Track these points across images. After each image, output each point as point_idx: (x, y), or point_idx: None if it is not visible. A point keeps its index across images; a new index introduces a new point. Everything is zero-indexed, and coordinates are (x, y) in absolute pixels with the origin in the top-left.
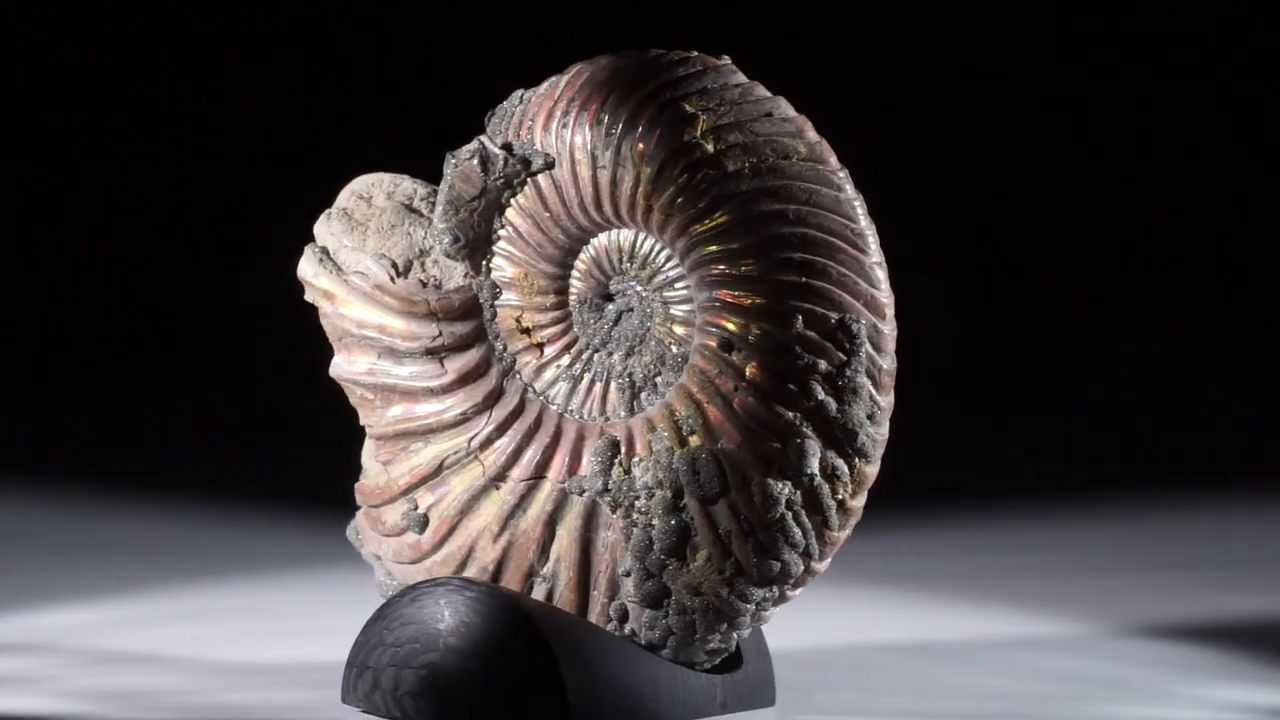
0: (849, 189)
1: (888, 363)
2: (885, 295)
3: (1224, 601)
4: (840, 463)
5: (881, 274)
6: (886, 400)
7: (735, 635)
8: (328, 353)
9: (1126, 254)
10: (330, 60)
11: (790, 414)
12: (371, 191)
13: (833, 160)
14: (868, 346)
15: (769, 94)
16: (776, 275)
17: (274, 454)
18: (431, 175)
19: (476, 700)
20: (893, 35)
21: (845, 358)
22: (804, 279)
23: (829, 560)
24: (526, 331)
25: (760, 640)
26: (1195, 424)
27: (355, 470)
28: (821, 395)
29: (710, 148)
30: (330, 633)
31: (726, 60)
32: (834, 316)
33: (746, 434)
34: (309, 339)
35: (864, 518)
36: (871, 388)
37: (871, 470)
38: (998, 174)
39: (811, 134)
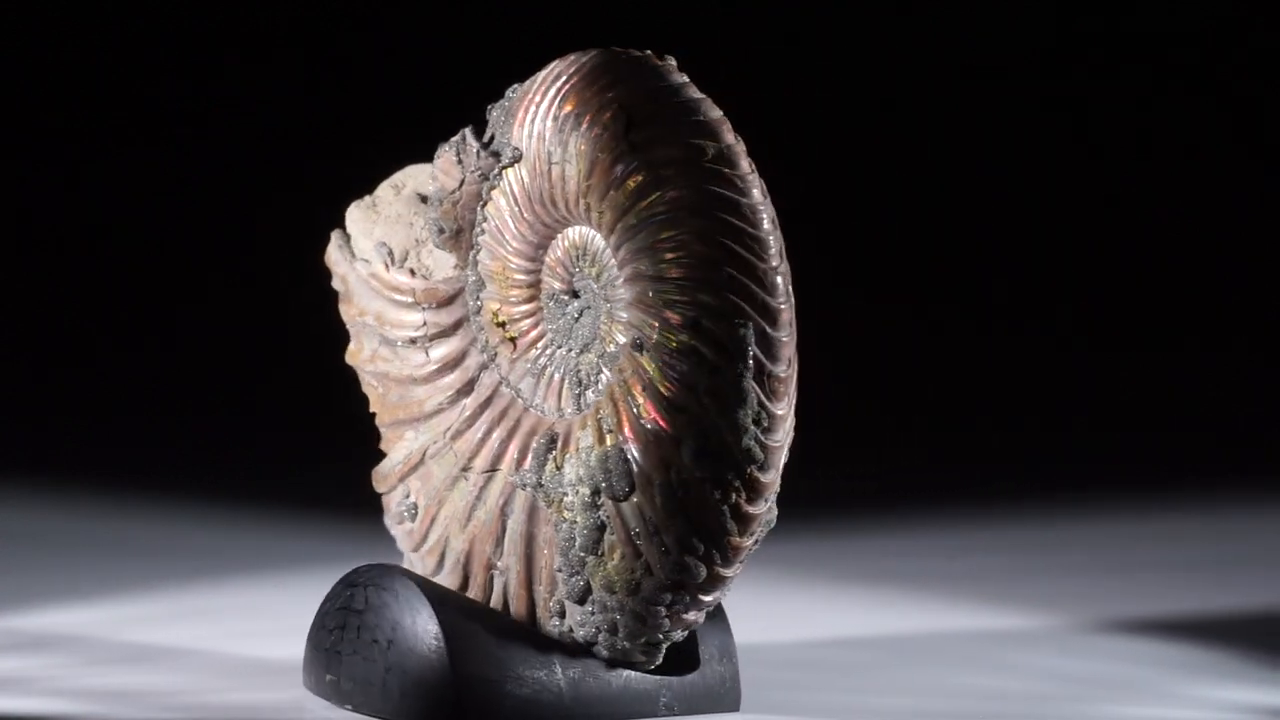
0: (755, 194)
1: (781, 369)
2: (780, 301)
3: (1223, 601)
4: (727, 469)
5: (779, 280)
6: (780, 407)
7: (663, 635)
8: (330, 351)
9: (1125, 253)
10: (330, 60)
11: (681, 417)
12: (405, 181)
13: (743, 164)
14: (756, 352)
15: (699, 94)
16: (671, 275)
17: (274, 454)
18: None
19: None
20: (882, 35)
21: (731, 363)
22: (695, 281)
23: (738, 566)
24: (502, 325)
25: (725, 643)
26: (1195, 424)
27: (355, 470)
28: (706, 400)
29: (634, 146)
30: None
31: (670, 61)
32: (723, 321)
33: (646, 435)
34: (309, 339)
35: (862, 517)
36: (760, 394)
37: (766, 478)
38: (995, 174)
39: (728, 136)
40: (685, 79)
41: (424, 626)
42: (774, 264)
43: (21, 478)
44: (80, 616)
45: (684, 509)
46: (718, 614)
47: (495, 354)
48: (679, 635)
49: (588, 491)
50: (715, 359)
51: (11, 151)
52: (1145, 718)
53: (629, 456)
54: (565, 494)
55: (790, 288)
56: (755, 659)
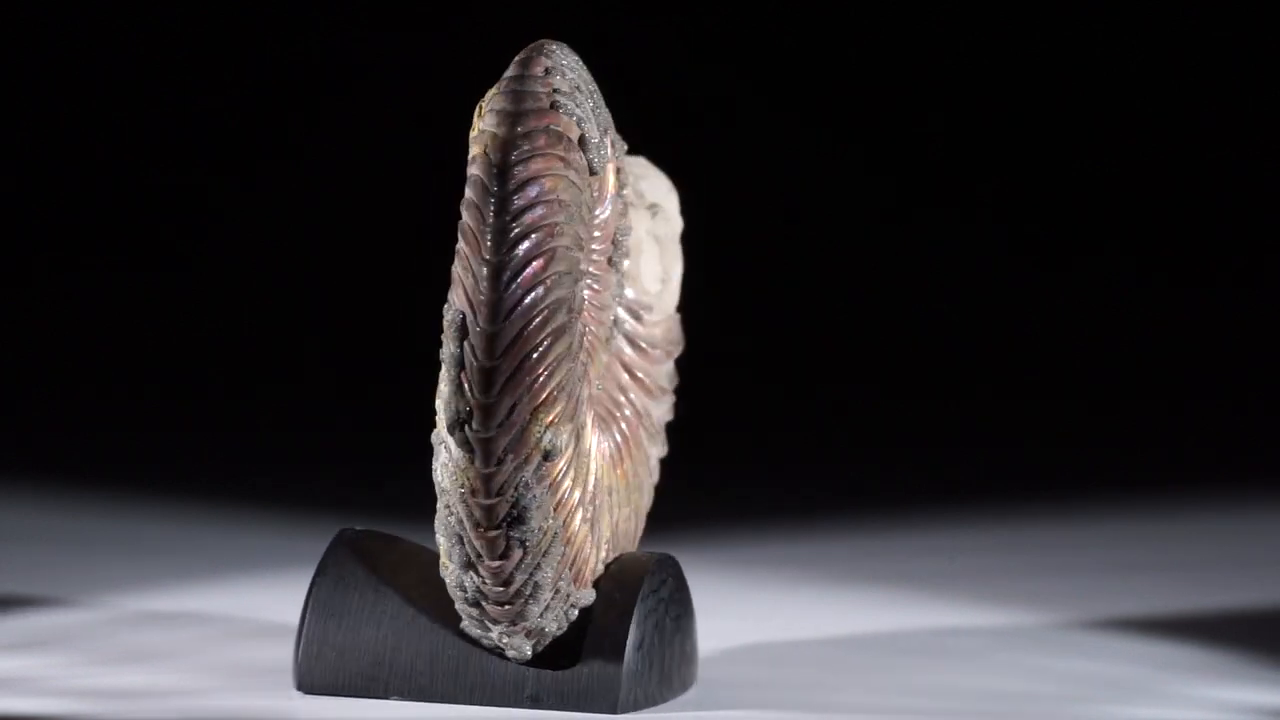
0: (508, 185)
1: (488, 362)
2: (485, 295)
3: (1223, 601)
4: (457, 462)
5: (489, 273)
6: (483, 399)
7: (511, 625)
8: (329, 352)
9: (1126, 251)
10: (329, 57)
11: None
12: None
13: (495, 155)
14: (468, 343)
15: (533, 84)
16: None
17: (274, 454)
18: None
19: None
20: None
21: (451, 349)
22: (454, 270)
23: (504, 566)
24: None
25: (614, 642)
26: (1195, 424)
27: (354, 470)
28: (442, 385)
29: (476, 132)
30: None
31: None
32: (452, 309)
33: None
34: (310, 338)
35: (861, 517)
36: (467, 385)
37: (476, 470)
38: (998, 153)
39: (503, 132)
40: (544, 67)
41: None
42: (490, 256)
43: (21, 478)
44: (80, 616)
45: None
46: (621, 614)
47: None
48: (551, 627)
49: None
50: (446, 345)
51: (10, 151)
52: (1145, 718)
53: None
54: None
55: (521, 282)
56: (752, 658)
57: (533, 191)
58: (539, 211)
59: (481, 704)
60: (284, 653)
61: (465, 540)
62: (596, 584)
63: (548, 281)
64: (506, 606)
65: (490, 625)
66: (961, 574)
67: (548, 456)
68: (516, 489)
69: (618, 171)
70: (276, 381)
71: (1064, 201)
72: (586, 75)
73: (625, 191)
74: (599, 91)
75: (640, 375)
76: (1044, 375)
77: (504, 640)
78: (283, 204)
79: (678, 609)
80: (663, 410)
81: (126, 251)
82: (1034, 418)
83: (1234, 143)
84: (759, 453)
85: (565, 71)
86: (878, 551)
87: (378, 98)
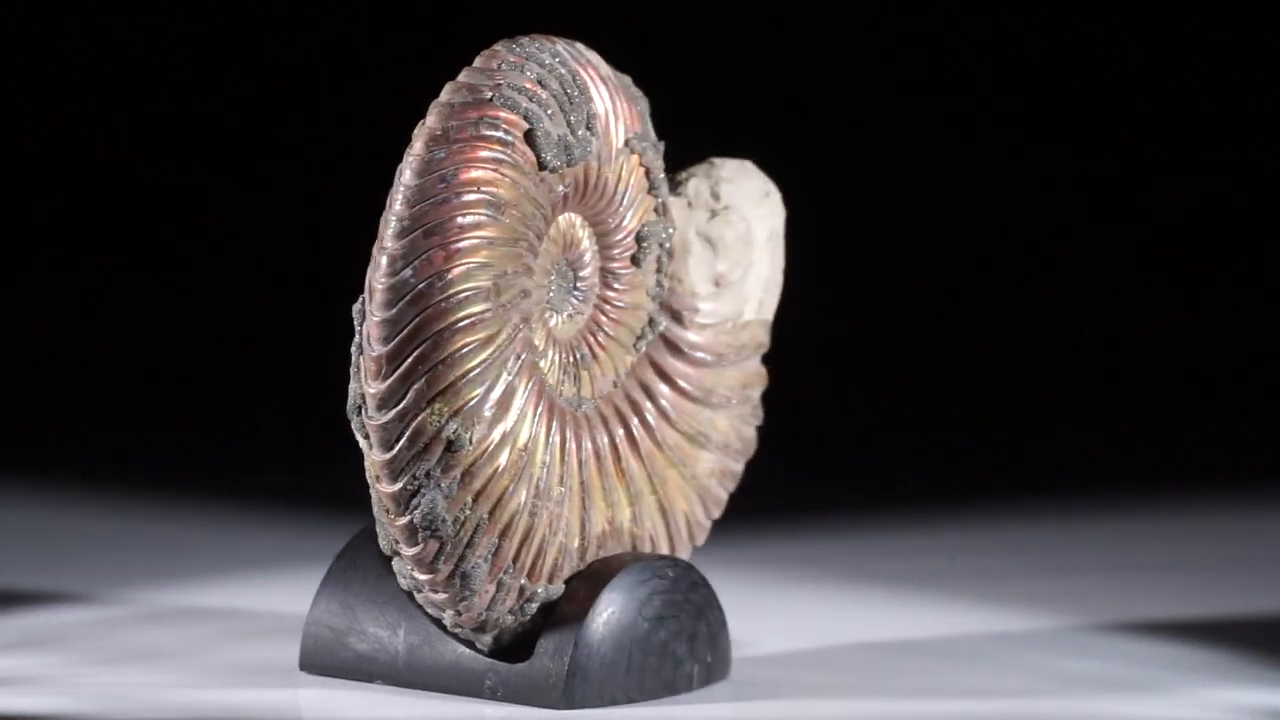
0: (406, 174)
1: (374, 349)
2: (379, 282)
3: (1223, 601)
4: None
5: (383, 260)
6: (373, 386)
7: (458, 616)
8: (327, 352)
9: (1126, 249)
10: (329, 58)
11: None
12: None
13: (416, 145)
14: (362, 329)
15: (478, 77)
16: None
17: (273, 454)
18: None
19: None
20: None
21: (356, 337)
22: None
23: (409, 537)
24: None
25: (563, 640)
26: (1196, 424)
27: (356, 470)
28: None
29: None
30: None
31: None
32: (360, 298)
33: None
34: (310, 338)
35: (861, 518)
36: (364, 374)
37: (375, 454)
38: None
39: (433, 124)
40: (501, 61)
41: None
42: (386, 244)
43: (21, 478)
44: (80, 616)
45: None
46: (568, 611)
47: None
48: (506, 617)
49: None
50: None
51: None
52: (1145, 718)
53: None
54: None
55: (417, 272)
56: (753, 657)
57: (443, 184)
58: (451, 203)
59: (452, 693)
60: (285, 651)
61: (384, 528)
62: (570, 579)
63: (452, 272)
64: (440, 595)
65: (441, 614)
66: (962, 574)
67: (452, 447)
68: (418, 477)
69: (647, 171)
70: (278, 381)
71: (1064, 201)
72: (576, 71)
73: (658, 191)
74: (611, 89)
75: (679, 380)
76: (1044, 375)
77: (458, 630)
78: (282, 204)
79: (665, 611)
80: (731, 418)
81: (126, 251)
82: (1034, 418)
83: (1233, 143)
84: (759, 453)
85: (537, 67)
86: (878, 551)
87: (378, 98)
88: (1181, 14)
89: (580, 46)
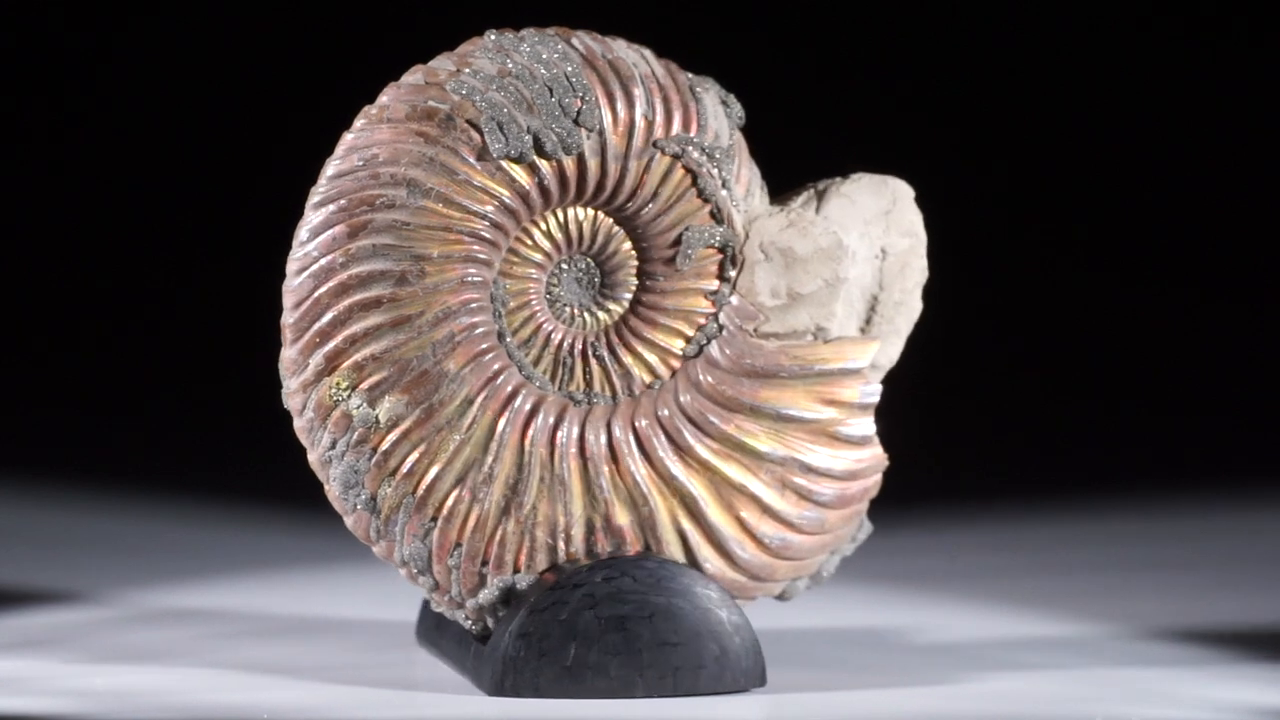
0: (338, 148)
1: (286, 317)
2: (293, 252)
3: (1224, 601)
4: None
5: (298, 232)
6: (283, 352)
7: (435, 594)
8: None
9: (1135, 251)
10: (325, 55)
11: None
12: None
13: (357, 121)
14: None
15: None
16: None
17: (273, 453)
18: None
19: None
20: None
21: None
22: None
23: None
24: None
25: (502, 631)
26: (1197, 423)
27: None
28: None
29: None
30: (329, 632)
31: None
32: None
33: None
34: None
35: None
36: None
37: (296, 421)
38: (1040, 159)
39: (379, 102)
40: (474, 48)
41: None
42: (305, 215)
43: (21, 478)
44: (80, 616)
45: None
46: (520, 601)
47: None
48: (484, 600)
49: None
50: None
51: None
52: (1145, 718)
53: None
54: None
55: (319, 245)
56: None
57: (362, 162)
58: (363, 182)
59: (455, 665)
60: (287, 651)
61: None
62: (545, 570)
63: (352, 249)
64: (401, 570)
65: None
66: (963, 574)
67: (355, 422)
68: (329, 449)
69: (693, 176)
70: (278, 381)
71: (1063, 201)
72: (580, 66)
73: (709, 195)
74: (652, 88)
75: (712, 381)
76: (1044, 376)
77: (443, 610)
78: (282, 204)
79: (624, 609)
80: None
81: (127, 251)
82: (1036, 417)
83: (1234, 142)
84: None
85: (516, 57)
86: (878, 551)
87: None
88: None
89: (621, 43)
